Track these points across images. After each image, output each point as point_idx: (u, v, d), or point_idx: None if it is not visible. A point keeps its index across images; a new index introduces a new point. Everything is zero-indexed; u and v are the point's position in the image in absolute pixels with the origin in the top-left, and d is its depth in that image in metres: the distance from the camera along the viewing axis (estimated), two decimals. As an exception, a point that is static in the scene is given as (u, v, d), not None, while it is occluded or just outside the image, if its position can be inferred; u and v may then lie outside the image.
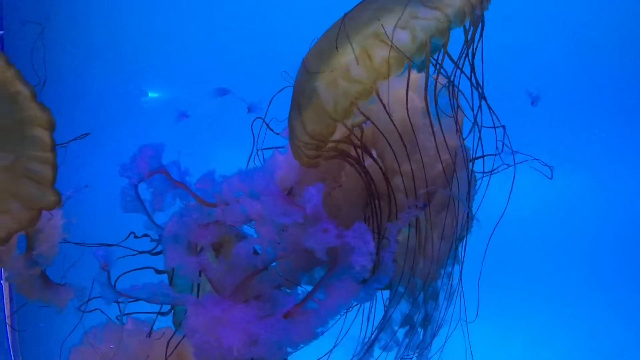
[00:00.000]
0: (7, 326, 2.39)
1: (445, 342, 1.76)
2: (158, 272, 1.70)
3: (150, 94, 2.48)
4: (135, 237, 1.71)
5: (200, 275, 1.45)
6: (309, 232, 1.30)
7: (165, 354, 1.61)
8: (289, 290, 1.48)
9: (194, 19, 2.62)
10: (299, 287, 1.52)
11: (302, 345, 1.34)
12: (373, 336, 1.61)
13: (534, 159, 1.66)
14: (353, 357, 1.63)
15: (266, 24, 2.63)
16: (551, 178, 1.69)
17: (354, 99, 1.30)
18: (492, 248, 1.75)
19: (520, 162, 1.65)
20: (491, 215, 1.73)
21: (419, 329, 1.68)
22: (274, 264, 1.44)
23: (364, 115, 1.42)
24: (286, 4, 2.54)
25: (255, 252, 1.42)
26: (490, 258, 1.78)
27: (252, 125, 1.70)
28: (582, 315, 2.78)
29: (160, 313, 1.75)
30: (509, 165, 1.62)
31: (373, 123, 1.47)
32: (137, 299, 1.46)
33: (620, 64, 2.82)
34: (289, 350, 1.35)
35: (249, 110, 1.88)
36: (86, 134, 1.67)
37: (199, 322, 1.31)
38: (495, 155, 1.64)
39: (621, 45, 2.80)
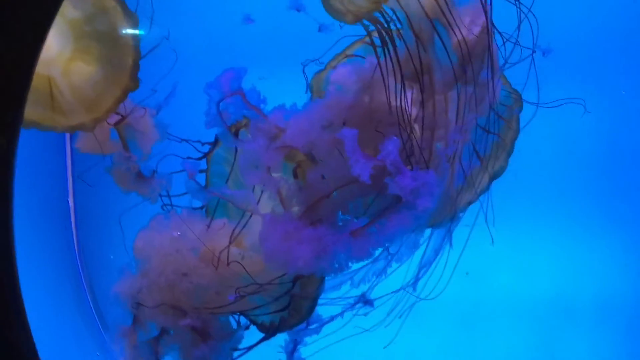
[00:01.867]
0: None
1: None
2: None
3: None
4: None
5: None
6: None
7: (229, 241, 1.82)
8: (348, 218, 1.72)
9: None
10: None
11: (356, 263, 1.61)
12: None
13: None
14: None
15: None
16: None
17: None
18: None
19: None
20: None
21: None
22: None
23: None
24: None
25: (323, 177, 1.65)
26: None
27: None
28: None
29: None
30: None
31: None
32: (226, 198, 1.68)
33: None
34: (346, 266, 1.61)
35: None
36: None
37: (273, 233, 1.56)
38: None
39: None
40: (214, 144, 2.03)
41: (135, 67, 1.74)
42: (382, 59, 1.71)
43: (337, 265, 1.57)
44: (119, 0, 1.73)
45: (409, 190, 1.51)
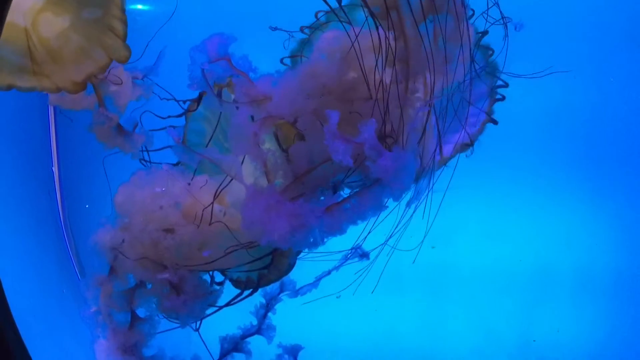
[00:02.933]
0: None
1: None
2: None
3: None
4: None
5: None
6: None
7: (212, 200, 1.83)
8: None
9: None
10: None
11: (329, 238, 1.65)
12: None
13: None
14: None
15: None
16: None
17: None
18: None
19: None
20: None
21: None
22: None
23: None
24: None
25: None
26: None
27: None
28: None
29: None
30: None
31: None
32: (210, 159, 1.70)
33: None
34: (320, 241, 1.65)
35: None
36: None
37: (254, 204, 1.59)
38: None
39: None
40: (195, 101, 2.05)
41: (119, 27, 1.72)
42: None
43: (311, 240, 1.61)
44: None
45: (391, 172, 1.54)
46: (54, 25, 1.70)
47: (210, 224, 1.86)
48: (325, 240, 1.64)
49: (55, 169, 2.59)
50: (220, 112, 1.93)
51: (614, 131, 2.88)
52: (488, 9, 1.93)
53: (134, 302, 2.03)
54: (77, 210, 2.63)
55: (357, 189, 1.72)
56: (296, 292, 2.03)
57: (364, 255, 2.02)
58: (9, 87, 1.67)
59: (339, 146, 1.50)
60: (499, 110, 2.16)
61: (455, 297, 2.87)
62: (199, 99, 2.01)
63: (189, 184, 1.94)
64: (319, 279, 2.02)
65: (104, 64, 1.74)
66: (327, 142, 1.52)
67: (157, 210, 1.88)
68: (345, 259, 1.93)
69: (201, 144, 2.11)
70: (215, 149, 1.85)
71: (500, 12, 1.96)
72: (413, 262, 2.09)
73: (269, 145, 1.73)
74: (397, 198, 1.63)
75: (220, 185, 1.88)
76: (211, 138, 2.01)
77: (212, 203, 1.87)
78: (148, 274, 1.93)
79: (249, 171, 1.76)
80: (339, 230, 1.62)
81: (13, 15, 1.65)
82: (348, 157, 1.51)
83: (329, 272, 2.02)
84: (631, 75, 2.85)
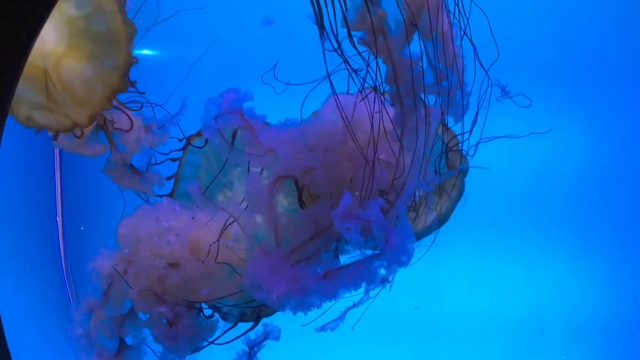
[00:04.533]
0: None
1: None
2: None
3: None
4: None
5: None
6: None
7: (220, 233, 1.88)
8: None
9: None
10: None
11: (323, 304, 1.71)
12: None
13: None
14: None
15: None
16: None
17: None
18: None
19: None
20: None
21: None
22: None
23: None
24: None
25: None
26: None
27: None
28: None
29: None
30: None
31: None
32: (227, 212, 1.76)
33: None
34: (315, 305, 1.71)
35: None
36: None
37: (260, 265, 1.65)
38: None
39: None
40: (195, 136, 2.10)
41: (127, 68, 1.77)
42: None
43: (307, 303, 1.67)
44: (119, 5, 1.74)
45: (397, 248, 1.60)
46: (73, 67, 1.74)
47: (216, 260, 1.90)
48: (321, 304, 1.69)
49: (59, 218, 2.63)
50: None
51: (601, 184, 2.91)
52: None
53: (124, 329, 2.07)
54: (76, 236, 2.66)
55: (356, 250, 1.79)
56: (324, 328, 2.04)
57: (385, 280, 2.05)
58: (28, 120, 1.71)
59: (349, 225, 1.56)
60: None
61: (445, 349, 2.90)
62: (205, 141, 2.07)
63: (193, 218, 1.99)
64: (345, 313, 2.04)
65: (110, 94, 1.79)
66: (337, 223, 1.57)
67: (166, 245, 1.92)
68: (368, 291, 1.95)
69: (195, 176, 2.16)
70: (237, 202, 1.89)
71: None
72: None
73: (284, 201, 1.78)
74: (394, 271, 1.69)
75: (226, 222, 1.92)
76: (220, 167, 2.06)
77: (219, 239, 1.90)
78: (148, 306, 1.97)
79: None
80: (334, 296, 1.68)
81: (32, 56, 1.69)
82: (357, 235, 1.57)
83: (354, 305, 2.01)
84: (612, 131, 2.89)
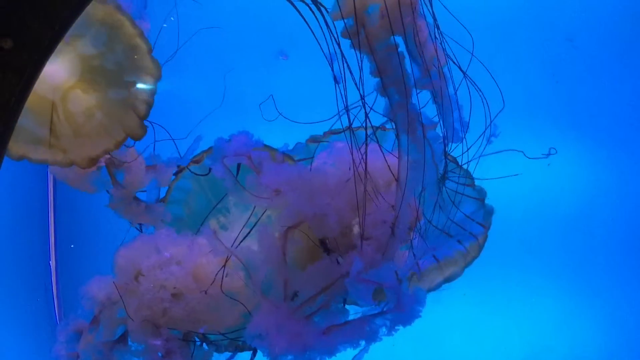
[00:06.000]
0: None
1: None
2: None
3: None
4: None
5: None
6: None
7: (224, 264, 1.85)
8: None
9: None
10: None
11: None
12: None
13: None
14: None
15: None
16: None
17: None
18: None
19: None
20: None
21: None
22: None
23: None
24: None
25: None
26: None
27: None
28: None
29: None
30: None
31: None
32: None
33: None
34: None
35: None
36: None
37: (267, 319, 1.66)
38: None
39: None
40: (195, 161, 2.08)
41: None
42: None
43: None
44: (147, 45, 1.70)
45: (407, 310, 1.61)
46: (82, 102, 1.71)
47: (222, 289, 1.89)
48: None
49: (52, 262, 2.59)
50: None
51: (599, 220, 2.91)
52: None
53: (112, 356, 2.06)
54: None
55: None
56: None
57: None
58: (21, 158, 1.67)
59: (361, 289, 1.56)
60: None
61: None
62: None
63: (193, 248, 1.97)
64: (369, 344, 2.04)
65: (120, 140, 1.76)
66: (349, 286, 1.58)
67: (169, 277, 1.90)
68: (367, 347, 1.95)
69: (184, 200, 2.14)
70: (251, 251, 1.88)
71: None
72: None
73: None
74: (396, 330, 1.70)
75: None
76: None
77: (224, 268, 1.89)
78: (145, 337, 1.96)
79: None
80: (333, 352, 1.69)
81: (43, 88, 1.66)
82: (369, 298, 1.57)
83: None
84: (612, 163, 2.89)
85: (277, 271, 1.71)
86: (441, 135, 1.79)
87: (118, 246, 1.96)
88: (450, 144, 1.87)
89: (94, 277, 2.00)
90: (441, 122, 1.82)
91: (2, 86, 1.31)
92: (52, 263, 2.54)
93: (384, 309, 1.64)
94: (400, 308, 1.59)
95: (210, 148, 2.02)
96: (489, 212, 2.03)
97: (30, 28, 1.30)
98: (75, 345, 2.08)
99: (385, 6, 1.58)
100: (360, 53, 1.65)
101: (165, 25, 1.92)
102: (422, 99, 1.76)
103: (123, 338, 2.06)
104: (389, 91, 1.66)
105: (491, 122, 1.96)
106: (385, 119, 1.79)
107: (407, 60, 1.70)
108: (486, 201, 2.07)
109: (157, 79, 1.74)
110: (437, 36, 1.72)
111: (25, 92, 1.34)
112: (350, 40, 1.62)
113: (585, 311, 2.92)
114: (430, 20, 1.72)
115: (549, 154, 2.12)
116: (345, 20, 1.61)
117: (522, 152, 2.02)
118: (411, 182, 1.72)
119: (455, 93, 1.83)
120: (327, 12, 1.63)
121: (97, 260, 2.17)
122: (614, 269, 2.90)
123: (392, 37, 1.64)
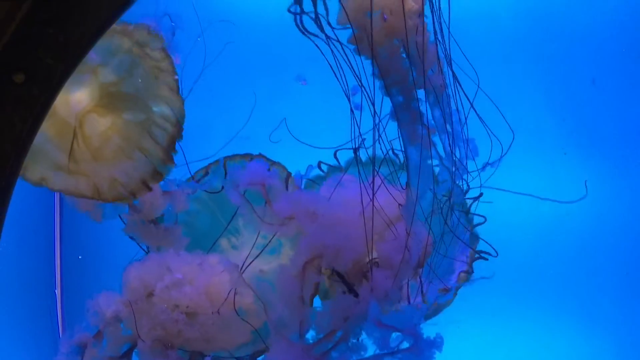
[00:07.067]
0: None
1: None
2: None
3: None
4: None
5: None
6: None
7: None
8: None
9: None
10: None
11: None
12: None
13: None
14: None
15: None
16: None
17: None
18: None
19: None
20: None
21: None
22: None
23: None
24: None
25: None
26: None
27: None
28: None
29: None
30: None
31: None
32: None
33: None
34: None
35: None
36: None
37: (281, 355, 1.67)
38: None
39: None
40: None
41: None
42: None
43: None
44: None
45: (426, 354, 1.63)
46: (98, 125, 1.71)
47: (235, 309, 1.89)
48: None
49: (58, 291, 2.58)
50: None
51: (604, 246, 2.88)
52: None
53: (114, 370, 2.06)
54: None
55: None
56: None
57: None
58: (41, 181, 1.66)
59: (379, 333, 1.58)
60: (489, 231, 2.18)
61: None
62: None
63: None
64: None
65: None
66: (368, 332, 1.60)
67: (183, 297, 1.90)
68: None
69: (188, 222, 2.13)
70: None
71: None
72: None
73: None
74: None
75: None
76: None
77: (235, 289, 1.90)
78: (154, 357, 1.96)
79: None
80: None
81: (66, 115, 1.67)
82: (388, 344, 1.58)
83: None
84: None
85: (295, 312, 1.72)
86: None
87: (122, 258, 1.96)
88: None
89: (102, 293, 2.00)
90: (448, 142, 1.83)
91: (13, 120, 1.30)
92: (58, 275, 2.54)
93: (399, 348, 1.65)
94: (416, 351, 1.60)
95: (216, 161, 2.04)
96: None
97: (43, 62, 1.29)
98: (77, 358, 2.09)
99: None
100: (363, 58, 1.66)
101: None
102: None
103: (127, 355, 2.06)
104: (392, 91, 1.67)
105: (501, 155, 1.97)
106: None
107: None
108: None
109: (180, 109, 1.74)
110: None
111: (35, 126, 1.34)
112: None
113: (594, 342, 2.90)
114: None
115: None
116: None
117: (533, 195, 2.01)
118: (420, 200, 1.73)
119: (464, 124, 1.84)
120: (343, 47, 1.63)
121: (101, 272, 2.15)
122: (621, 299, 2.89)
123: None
